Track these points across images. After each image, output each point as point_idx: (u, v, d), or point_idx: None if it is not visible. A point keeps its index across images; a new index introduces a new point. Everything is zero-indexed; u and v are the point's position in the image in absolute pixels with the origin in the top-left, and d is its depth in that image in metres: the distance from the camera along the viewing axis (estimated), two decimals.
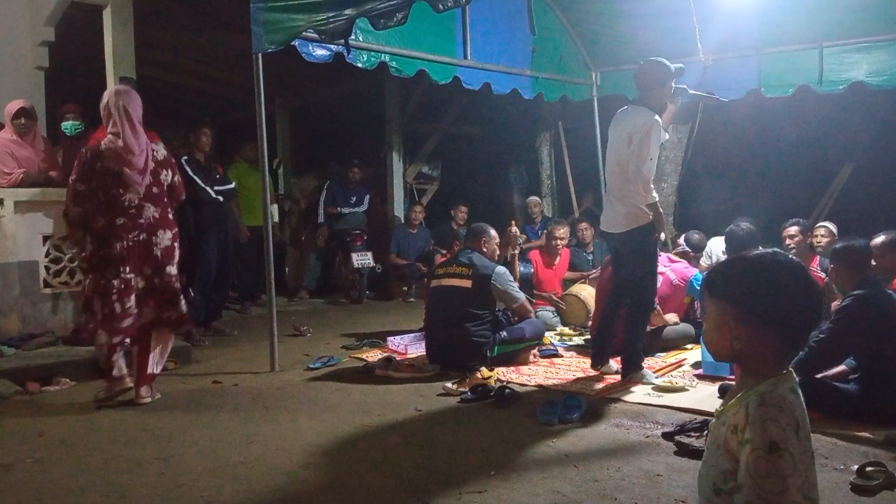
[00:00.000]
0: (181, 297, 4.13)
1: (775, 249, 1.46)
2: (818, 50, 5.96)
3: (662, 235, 5.87)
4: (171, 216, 4.10)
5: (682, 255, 6.17)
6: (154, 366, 4.10)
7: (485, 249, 5.05)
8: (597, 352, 4.59)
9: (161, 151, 4.08)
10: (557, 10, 6.86)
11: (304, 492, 2.74)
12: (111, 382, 3.99)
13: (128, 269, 3.89)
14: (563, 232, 6.69)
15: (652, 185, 4.26)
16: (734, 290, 1.39)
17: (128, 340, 3.99)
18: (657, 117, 4.20)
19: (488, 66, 6.38)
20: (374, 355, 5.21)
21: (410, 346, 5.31)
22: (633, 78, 4.48)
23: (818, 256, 5.43)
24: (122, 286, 3.88)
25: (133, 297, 3.93)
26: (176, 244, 4.10)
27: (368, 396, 4.16)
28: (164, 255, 4.02)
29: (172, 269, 4.05)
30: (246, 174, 7.45)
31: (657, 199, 4.27)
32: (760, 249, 1.49)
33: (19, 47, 6.28)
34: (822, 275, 5.08)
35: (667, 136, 4.65)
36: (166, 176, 4.10)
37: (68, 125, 5.60)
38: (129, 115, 3.89)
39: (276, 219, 8.51)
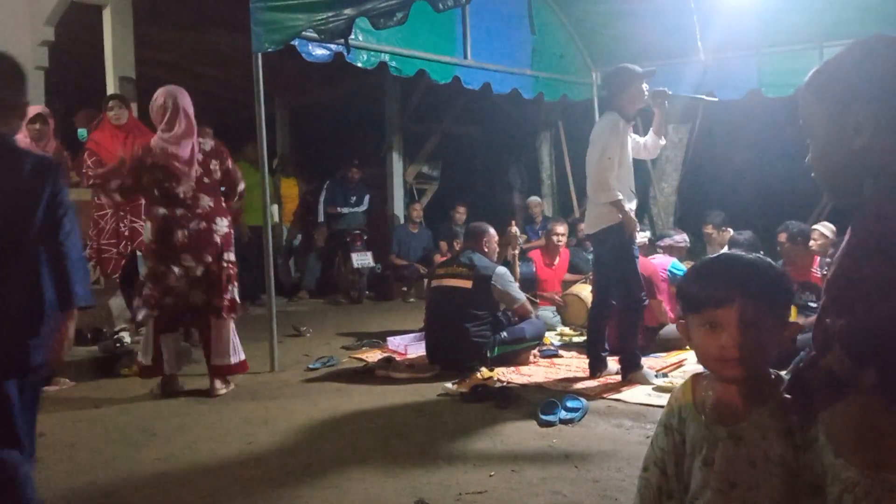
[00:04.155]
0: (233, 284, 4.28)
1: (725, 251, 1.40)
2: (818, 50, 5.94)
3: (649, 234, 5.88)
4: (224, 204, 4.31)
5: (644, 246, 6.14)
6: (220, 356, 4.27)
7: (485, 249, 5.05)
8: (592, 360, 4.56)
9: (208, 143, 4.29)
10: (558, 9, 6.86)
11: (303, 492, 2.74)
12: (160, 372, 4.28)
13: (189, 257, 4.09)
14: (562, 229, 6.70)
15: (612, 184, 4.21)
16: (768, 289, 1.29)
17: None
18: (616, 115, 4.31)
19: (488, 66, 6.37)
20: (373, 355, 5.21)
21: (410, 347, 5.30)
22: None
23: (818, 257, 5.43)
24: (182, 273, 4.09)
25: (187, 283, 4.12)
26: (232, 231, 4.33)
27: (368, 397, 4.16)
28: (224, 242, 4.22)
29: (231, 255, 4.27)
30: (247, 174, 7.44)
31: (619, 197, 4.20)
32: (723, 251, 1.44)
33: (19, 47, 6.26)
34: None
35: (663, 142, 4.69)
36: (216, 165, 4.27)
37: (81, 132, 5.81)
38: (179, 110, 4.14)
39: (277, 219, 8.51)
